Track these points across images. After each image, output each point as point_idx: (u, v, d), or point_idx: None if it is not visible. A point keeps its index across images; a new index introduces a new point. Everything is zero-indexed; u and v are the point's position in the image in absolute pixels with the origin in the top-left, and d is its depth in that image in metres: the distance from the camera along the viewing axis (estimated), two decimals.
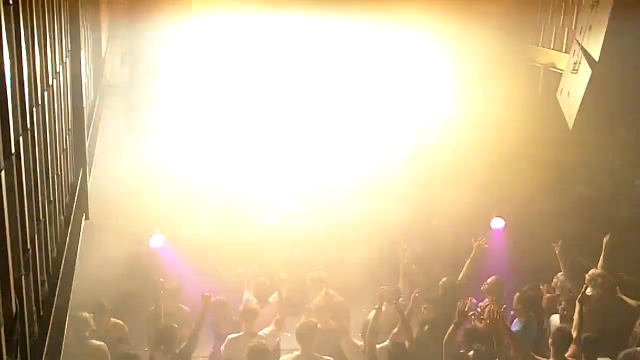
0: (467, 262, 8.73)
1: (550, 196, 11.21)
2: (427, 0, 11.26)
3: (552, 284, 8.95)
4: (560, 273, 8.99)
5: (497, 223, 11.14)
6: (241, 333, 7.49)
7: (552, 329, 7.76)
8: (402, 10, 11.27)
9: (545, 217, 10.92)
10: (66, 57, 4.22)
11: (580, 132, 9.49)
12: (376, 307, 7.35)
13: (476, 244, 8.73)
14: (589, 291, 8.44)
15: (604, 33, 8.63)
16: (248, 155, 11.18)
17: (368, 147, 12.40)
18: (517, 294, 8.08)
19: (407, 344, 7.19)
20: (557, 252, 8.68)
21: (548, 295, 8.50)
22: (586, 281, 8.44)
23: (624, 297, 8.51)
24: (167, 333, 7.33)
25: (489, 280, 8.53)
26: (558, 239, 9.00)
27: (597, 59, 8.81)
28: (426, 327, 7.69)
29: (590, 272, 8.58)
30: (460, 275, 8.76)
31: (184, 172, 10.37)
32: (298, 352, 7.08)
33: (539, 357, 6.89)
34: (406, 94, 11.98)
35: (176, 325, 7.53)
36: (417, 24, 11.19)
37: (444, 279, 8.70)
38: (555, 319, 8.09)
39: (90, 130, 5.56)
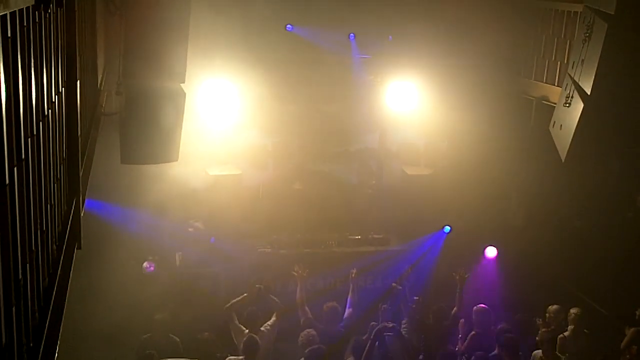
0: (457, 294, 9.00)
1: (541, 228, 11.25)
2: (417, 31, 11.38)
3: (547, 318, 8.95)
4: (552, 306, 9.00)
5: (491, 252, 11.23)
6: (241, 357, 7.70)
7: None
8: (395, 44, 11.39)
9: (538, 249, 10.95)
10: (62, 87, 4.25)
11: (572, 165, 9.55)
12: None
13: (458, 277, 9.01)
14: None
15: (595, 67, 8.71)
16: (241, 184, 11.20)
17: (357, 176, 12.46)
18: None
19: None
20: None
21: (543, 330, 8.51)
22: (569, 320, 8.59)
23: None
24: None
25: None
26: (550, 270, 9.06)
27: (589, 93, 8.88)
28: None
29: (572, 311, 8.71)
30: (455, 308, 8.94)
31: (177, 201, 10.37)
32: None
33: None
34: (396, 126, 12.06)
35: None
36: (408, 55, 11.29)
37: (434, 307, 8.91)
38: (538, 354, 8.15)
39: (85, 160, 5.56)
